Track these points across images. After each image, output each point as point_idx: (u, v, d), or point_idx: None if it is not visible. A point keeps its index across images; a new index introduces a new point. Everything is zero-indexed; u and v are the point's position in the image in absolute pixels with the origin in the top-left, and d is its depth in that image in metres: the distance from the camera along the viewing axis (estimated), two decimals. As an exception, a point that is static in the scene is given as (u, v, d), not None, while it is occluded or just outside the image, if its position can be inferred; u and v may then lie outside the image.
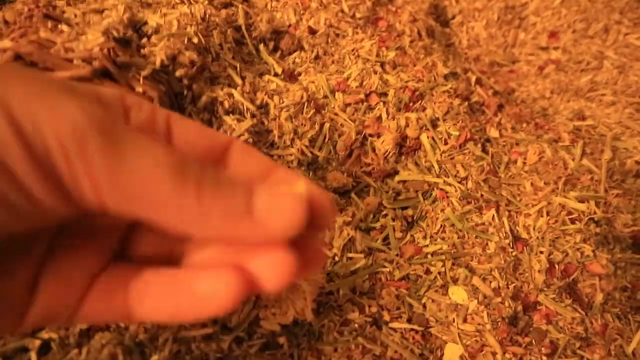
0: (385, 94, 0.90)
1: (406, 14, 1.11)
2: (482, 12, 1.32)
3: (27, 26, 0.66)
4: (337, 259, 0.72)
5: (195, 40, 0.72)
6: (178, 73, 0.70)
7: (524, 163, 0.93)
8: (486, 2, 1.32)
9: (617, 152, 0.99)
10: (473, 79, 1.07)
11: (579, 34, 1.26)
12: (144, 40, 0.70)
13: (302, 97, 0.82)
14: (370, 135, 0.85)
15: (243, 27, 0.90)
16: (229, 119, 0.73)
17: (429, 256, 0.75)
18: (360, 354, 0.65)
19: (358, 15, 1.05)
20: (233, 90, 0.77)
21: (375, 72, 0.92)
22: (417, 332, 0.69)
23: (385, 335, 0.68)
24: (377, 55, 0.96)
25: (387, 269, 0.74)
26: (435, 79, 0.95)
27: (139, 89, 0.61)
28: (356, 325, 0.68)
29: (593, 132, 1.04)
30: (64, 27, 0.67)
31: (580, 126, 1.05)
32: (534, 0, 1.33)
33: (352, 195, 0.81)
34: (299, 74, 0.92)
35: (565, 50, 1.25)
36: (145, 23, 0.73)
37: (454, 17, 1.33)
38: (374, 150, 0.84)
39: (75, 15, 0.71)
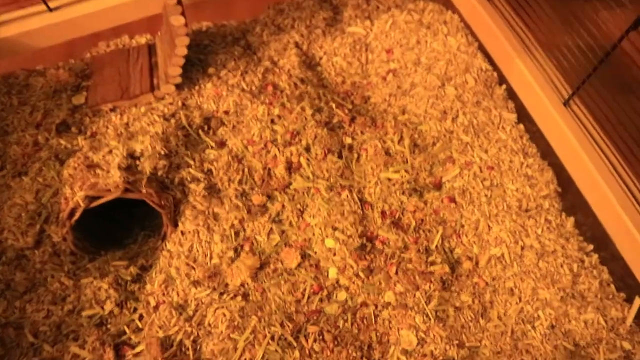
0: (276, 140, 1.55)
1: (284, 74, 1.75)
2: (340, 49, 1.94)
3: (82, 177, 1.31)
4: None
5: (163, 152, 1.38)
6: (159, 173, 1.36)
7: (366, 156, 1.59)
8: (340, 41, 1.94)
9: (421, 133, 1.65)
10: (333, 105, 1.71)
11: (404, 47, 1.89)
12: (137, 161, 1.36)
13: (228, 157, 1.48)
14: (271, 167, 1.51)
15: (186, 125, 1.55)
16: (192, 186, 1.40)
17: (313, 226, 1.42)
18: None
19: (254, 88, 1.69)
20: (190, 169, 1.43)
21: (267, 127, 1.57)
22: (311, 266, 1.37)
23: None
24: (268, 114, 1.61)
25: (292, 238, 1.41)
26: (305, 119, 1.60)
27: (144, 190, 1.28)
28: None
29: (409, 123, 1.69)
30: (98, 171, 1.31)
31: (401, 120, 1.70)
32: (373, 30, 1.95)
33: (277, 194, 1.47)
34: (225, 141, 1.57)
35: (398, 61, 1.88)
36: (134, 150, 1.38)
37: (321, 59, 1.95)
38: (275, 175, 1.50)
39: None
